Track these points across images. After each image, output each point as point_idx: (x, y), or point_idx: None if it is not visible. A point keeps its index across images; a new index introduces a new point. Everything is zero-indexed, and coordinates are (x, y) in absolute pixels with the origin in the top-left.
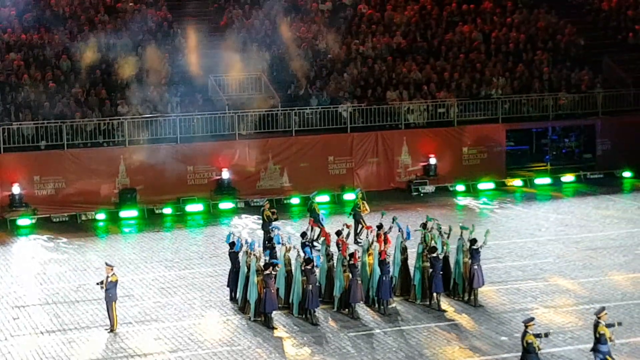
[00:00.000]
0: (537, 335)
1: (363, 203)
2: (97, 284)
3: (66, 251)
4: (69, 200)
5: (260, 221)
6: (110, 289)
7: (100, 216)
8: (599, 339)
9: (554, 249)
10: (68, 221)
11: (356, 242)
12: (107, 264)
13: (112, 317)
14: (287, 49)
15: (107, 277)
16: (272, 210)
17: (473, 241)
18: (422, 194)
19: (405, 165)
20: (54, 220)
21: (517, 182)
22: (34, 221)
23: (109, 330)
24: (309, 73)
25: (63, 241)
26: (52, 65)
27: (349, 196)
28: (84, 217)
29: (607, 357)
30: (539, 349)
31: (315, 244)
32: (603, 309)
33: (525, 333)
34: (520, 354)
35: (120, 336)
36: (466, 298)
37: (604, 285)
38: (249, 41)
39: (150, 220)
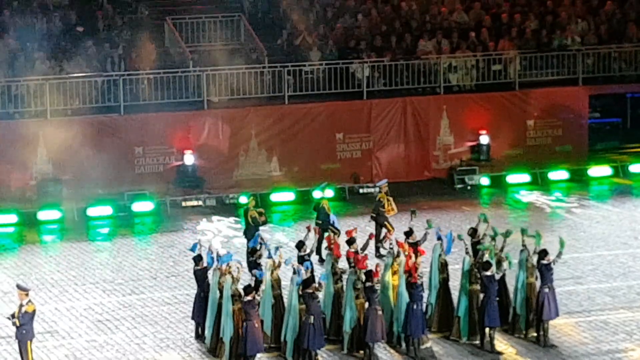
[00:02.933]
0: None
1: (388, 200)
2: (8, 317)
3: None
4: None
5: (242, 225)
6: (25, 323)
7: (11, 219)
8: None
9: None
10: None
11: (378, 255)
12: (19, 287)
13: None
14: None
15: (21, 305)
16: (258, 210)
17: (542, 254)
18: (469, 187)
19: (446, 145)
20: None
21: (604, 170)
22: None
23: None
24: (308, 14)
25: None
26: None
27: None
28: None
29: None
30: None
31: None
32: None
33: None
34: None
35: None
36: (532, 334)
37: None
38: None
39: (82, 224)
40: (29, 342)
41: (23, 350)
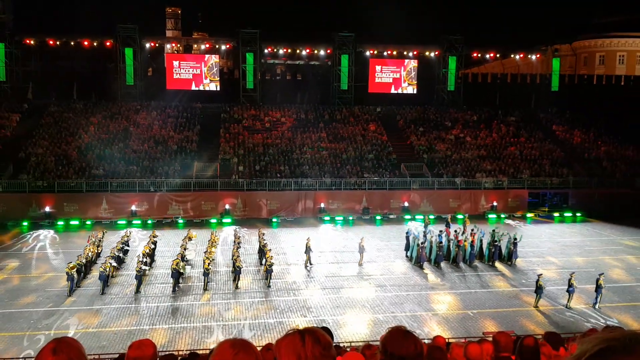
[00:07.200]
0: None
1: (466, 220)
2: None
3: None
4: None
5: (421, 224)
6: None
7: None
8: None
9: (544, 247)
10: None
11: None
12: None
13: None
14: None
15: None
16: (427, 220)
17: (514, 239)
18: (490, 218)
19: (484, 205)
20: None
21: (531, 215)
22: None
23: None
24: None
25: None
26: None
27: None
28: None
29: None
30: None
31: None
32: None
33: None
34: None
35: None
36: (510, 263)
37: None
38: None
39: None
40: None
41: None
